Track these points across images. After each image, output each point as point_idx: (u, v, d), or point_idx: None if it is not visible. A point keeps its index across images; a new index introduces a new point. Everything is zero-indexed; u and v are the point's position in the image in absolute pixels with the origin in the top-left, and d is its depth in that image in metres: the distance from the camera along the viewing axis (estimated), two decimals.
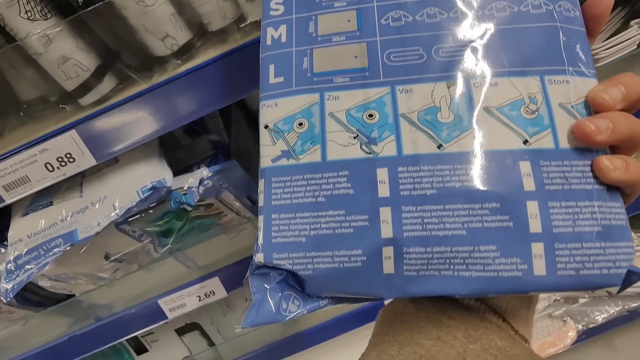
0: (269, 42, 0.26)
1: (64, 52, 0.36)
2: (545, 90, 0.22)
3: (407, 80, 0.23)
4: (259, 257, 0.23)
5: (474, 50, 0.23)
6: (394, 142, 0.23)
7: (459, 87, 0.23)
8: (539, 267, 0.20)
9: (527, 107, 0.22)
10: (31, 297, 0.57)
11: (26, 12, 0.34)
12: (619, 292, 0.21)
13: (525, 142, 0.21)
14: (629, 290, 0.71)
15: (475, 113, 0.22)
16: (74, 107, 0.40)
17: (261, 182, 0.24)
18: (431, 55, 0.24)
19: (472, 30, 0.23)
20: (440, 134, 0.22)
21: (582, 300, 0.73)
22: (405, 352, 0.22)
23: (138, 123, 0.40)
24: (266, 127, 0.25)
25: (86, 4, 0.34)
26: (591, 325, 0.70)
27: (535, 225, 0.20)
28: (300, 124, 0.24)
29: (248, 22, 0.38)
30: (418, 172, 0.22)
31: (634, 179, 0.20)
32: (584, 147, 0.21)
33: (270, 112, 0.25)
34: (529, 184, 0.21)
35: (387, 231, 0.21)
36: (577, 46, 0.23)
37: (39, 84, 0.39)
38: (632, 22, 0.46)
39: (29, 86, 0.39)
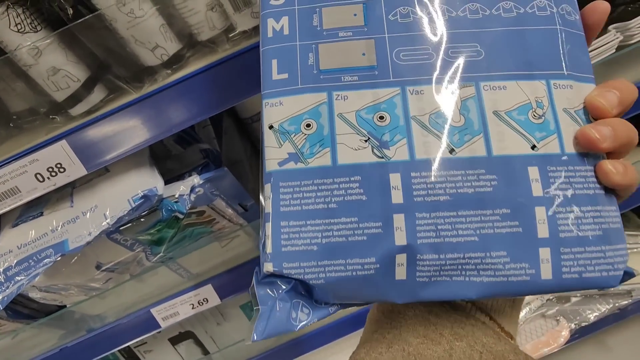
0: (270, 34, 0.24)
1: (54, 64, 0.36)
2: (551, 94, 0.22)
3: (417, 81, 0.23)
4: (268, 267, 0.22)
5: (483, 51, 0.23)
6: (406, 145, 0.22)
7: (469, 90, 0.23)
8: (546, 271, 0.21)
9: (535, 111, 0.22)
10: (21, 310, 0.56)
11: (16, 25, 0.35)
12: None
13: (533, 147, 0.22)
14: (620, 287, 0.73)
15: (485, 117, 0.22)
16: (64, 118, 0.40)
17: (267, 187, 0.23)
18: (440, 55, 0.23)
19: (481, 30, 0.23)
20: (452, 137, 0.22)
21: (574, 300, 0.74)
22: (393, 349, 0.23)
23: (128, 132, 0.40)
24: (271, 127, 0.23)
25: (76, 16, 0.35)
26: (584, 324, 0.70)
27: (543, 231, 0.21)
28: (308, 125, 0.23)
29: (237, 32, 0.38)
30: (431, 177, 0.21)
31: (632, 182, 0.21)
32: (586, 152, 0.22)
33: (275, 111, 0.23)
34: (537, 190, 0.21)
35: (400, 238, 0.21)
36: (578, 50, 0.23)
37: (28, 95, 0.39)
38: (610, 27, 0.48)
39: (18, 98, 0.40)
